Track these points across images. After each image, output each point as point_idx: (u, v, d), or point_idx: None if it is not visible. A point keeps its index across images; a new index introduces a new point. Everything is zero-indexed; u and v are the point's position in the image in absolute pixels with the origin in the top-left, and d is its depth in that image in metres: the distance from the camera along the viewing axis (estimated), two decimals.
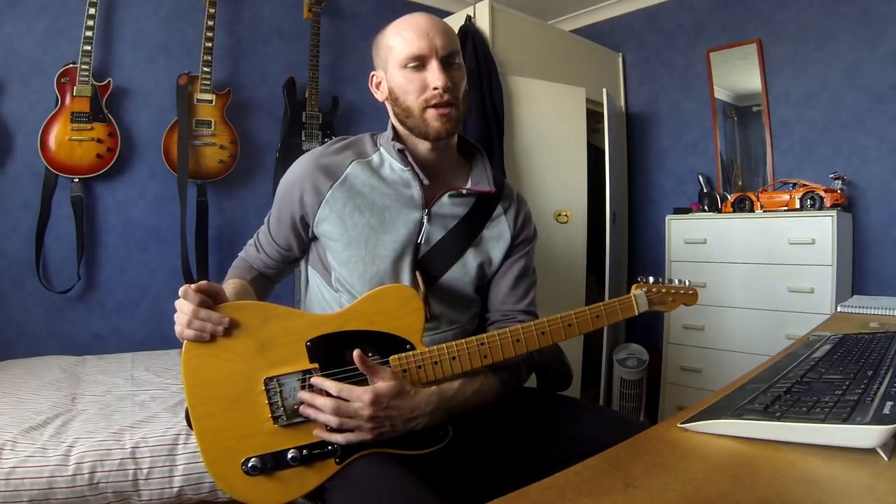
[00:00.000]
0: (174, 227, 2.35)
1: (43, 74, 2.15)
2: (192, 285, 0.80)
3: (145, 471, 1.35)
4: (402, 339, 0.85)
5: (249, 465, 0.78)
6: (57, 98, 2.11)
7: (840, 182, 2.30)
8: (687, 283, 0.96)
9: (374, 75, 1.01)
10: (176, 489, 1.37)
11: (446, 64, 0.92)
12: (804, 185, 2.32)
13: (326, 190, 0.96)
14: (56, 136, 2.08)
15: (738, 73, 2.76)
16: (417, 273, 0.97)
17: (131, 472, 1.33)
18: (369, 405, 0.79)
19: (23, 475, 1.24)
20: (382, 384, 0.81)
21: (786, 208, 2.30)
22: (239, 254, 1.13)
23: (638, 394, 2.64)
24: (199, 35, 2.35)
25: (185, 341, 0.80)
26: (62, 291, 2.20)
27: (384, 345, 0.84)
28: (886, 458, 0.52)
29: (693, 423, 0.64)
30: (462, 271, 1.00)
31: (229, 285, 0.98)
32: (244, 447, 0.79)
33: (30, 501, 1.23)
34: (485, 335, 0.86)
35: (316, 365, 0.82)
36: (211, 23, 2.33)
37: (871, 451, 0.53)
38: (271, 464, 0.78)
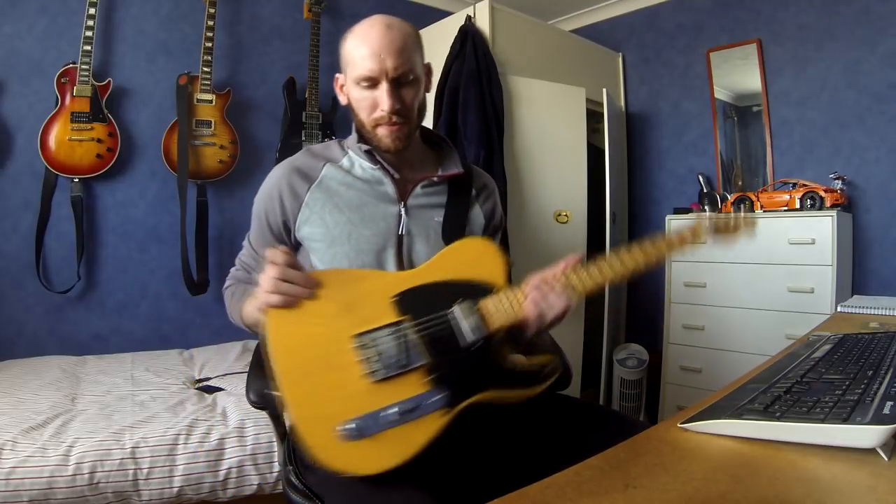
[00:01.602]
0: (174, 227, 2.35)
1: (43, 74, 2.15)
2: (280, 248, 0.82)
3: (145, 471, 1.35)
4: (488, 285, 0.85)
5: (348, 428, 0.72)
6: (57, 98, 2.11)
7: (840, 182, 2.30)
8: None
9: (338, 77, 1.02)
10: (176, 489, 1.37)
11: (398, 84, 0.93)
12: (804, 185, 2.32)
13: (304, 192, 0.99)
14: (56, 136, 2.08)
15: (738, 73, 2.75)
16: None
17: (131, 472, 1.34)
18: None
19: (23, 475, 1.24)
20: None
21: (786, 208, 2.30)
22: (225, 288, 1.11)
23: (638, 394, 2.64)
24: (199, 35, 2.35)
25: (268, 309, 0.79)
26: (62, 291, 2.20)
27: (471, 293, 0.84)
28: (886, 458, 0.52)
29: (693, 423, 0.64)
30: None
31: (250, 287, 0.99)
32: (341, 411, 0.74)
33: (30, 501, 1.23)
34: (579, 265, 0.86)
35: (408, 316, 0.81)
36: (211, 23, 2.33)
37: (871, 451, 0.53)
38: (372, 425, 0.74)
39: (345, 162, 1.02)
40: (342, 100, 1.02)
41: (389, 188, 1.00)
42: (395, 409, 0.74)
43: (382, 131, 0.95)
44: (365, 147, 0.98)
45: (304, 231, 0.99)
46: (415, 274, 0.87)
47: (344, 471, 0.71)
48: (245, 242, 1.10)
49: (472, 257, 0.89)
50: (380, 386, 0.76)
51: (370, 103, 0.94)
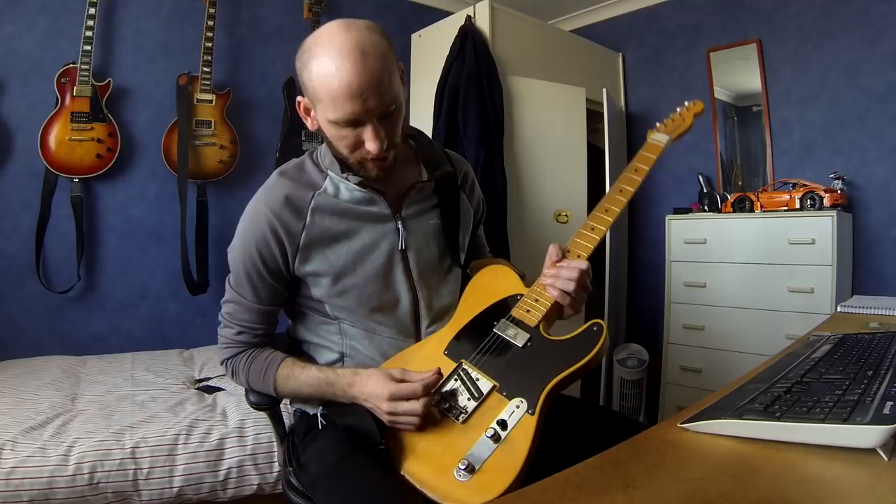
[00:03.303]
0: (174, 227, 2.35)
1: (43, 74, 2.15)
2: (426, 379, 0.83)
3: (145, 471, 1.35)
4: (513, 297, 0.94)
5: (461, 468, 0.77)
6: (57, 98, 2.11)
7: (840, 182, 2.30)
8: (686, 103, 1.08)
9: (301, 102, 0.91)
10: (176, 489, 1.37)
11: (382, 117, 0.84)
12: (804, 185, 2.32)
13: (300, 232, 0.91)
14: (56, 136, 2.08)
15: (738, 73, 2.75)
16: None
17: (131, 472, 1.34)
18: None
19: (23, 475, 1.24)
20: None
21: (786, 208, 2.30)
22: (230, 358, 0.99)
23: (638, 394, 2.64)
24: (199, 35, 2.35)
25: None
26: (62, 291, 2.20)
27: (502, 311, 0.92)
28: (886, 458, 0.52)
29: (693, 423, 0.64)
30: (448, 261, 1.02)
31: (296, 370, 0.94)
32: (452, 457, 0.79)
33: (30, 501, 1.23)
34: (565, 248, 0.93)
35: (462, 360, 0.88)
36: (211, 23, 2.33)
37: (871, 451, 0.53)
38: (477, 454, 0.78)
39: (328, 187, 0.94)
40: (310, 125, 0.92)
41: (382, 206, 0.95)
42: (490, 432, 0.79)
43: (370, 165, 0.89)
44: (356, 179, 0.92)
45: (306, 269, 0.93)
46: (452, 324, 0.94)
47: (482, 502, 0.74)
48: (231, 294, 0.96)
49: (489, 284, 0.97)
50: (469, 423, 0.82)
51: (352, 141, 0.86)
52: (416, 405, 0.80)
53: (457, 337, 0.92)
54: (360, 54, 0.78)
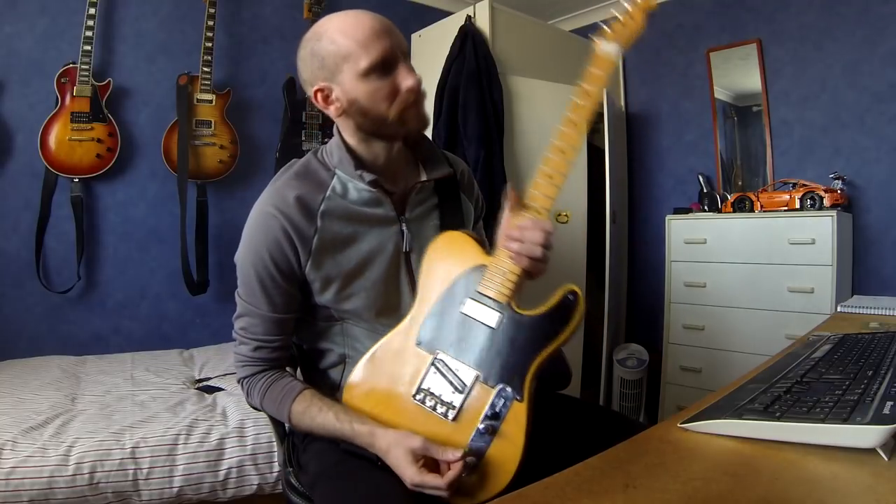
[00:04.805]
0: (174, 227, 2.35)
1: (43, 74, 2.15)
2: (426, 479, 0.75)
3: (145, 471, 1.35)
4: (476, 268, 0.85)
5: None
6: (57, 98, 2.11)
7: (840, 182, 2.30)
8: None
9: (319, 91, 0.89)
10: (176, 489, 1.37)
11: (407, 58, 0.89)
12: (804, 185, 2.32)
13: (312, 236, 0.89)
14: (56, 136, 2.08)
15: (738, 73, 2.75)
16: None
17: (131, 472, 1.34)
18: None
19: (23, 475, 1.24)
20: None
21: (786, 208, 2.30)
22: (248, 376, 0.94)
23: (638, 394, 2.64)
24: (199, 35, 2.35)
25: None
26: (62, 291, 2.20)
27: (468, 287, 0.85)
28: (886, 458, 0.52)
29: (693, 423, 0.64)
30: None
31: (312, 410, 0.88)
32: None
33: (30, 501, 1.23)
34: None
35: (436, 352, 0.83)
36: (211, 23, 2.33)
37: (871, 451, 0.53)
38: (476, 449, 0.77)
39: (336, 186, 0.92)
40: (332, 113, 0.91)
41: (388, 208, 0.94)
42: (483, 426, 0.78)
43: (411, 113, 0.89)
44: (369, 177, 0.90)
45: (317, 274, 0.90)
46: (416, 310, 0.87)
47: (486, 498, 0.74)
48: (243, 307, 0.92)
49: (446, 257, 0.88)
50: (460, 420, 0.80)
51: (390, 90, 0.86)
52: (442, 492, 0.75)
53: (425, 325, 0.85)
54: (369, 13, 0.87)
